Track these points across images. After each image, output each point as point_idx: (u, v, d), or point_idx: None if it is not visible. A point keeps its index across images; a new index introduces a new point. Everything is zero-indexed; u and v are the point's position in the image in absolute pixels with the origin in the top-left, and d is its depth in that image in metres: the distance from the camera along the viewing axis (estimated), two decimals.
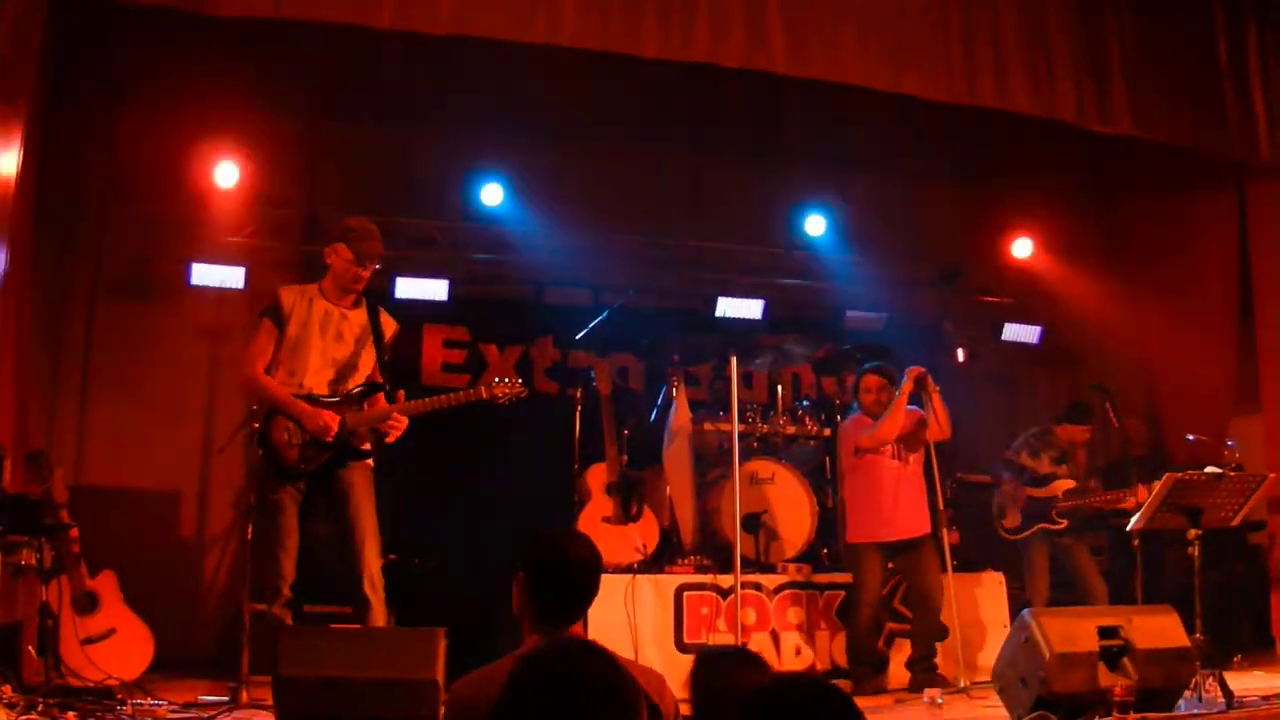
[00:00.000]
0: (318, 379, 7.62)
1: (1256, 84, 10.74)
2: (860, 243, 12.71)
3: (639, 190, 12.78)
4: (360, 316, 7.77)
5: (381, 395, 7.73)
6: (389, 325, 7.89)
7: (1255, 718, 7.48)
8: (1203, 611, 8.09)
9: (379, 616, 7.43)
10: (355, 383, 7.67)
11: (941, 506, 9.42)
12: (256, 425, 7.86)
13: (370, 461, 7.70)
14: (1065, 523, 10.22)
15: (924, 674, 9.13)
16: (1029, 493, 10.40)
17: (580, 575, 4.35)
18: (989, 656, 8.65)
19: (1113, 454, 11.47)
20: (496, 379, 7.84)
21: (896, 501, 9.45)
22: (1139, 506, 9.05)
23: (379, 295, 8.13)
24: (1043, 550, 10.34)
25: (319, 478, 7.57)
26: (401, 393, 7.74)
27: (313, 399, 7.55)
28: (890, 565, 9.58)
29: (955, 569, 9.82)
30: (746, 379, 12.02)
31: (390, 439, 7.66)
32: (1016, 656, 7.37)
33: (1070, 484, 10.34)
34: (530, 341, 12.31)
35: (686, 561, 9.85)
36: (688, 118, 12.67)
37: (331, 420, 7.44)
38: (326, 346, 7.65)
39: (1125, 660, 7.30)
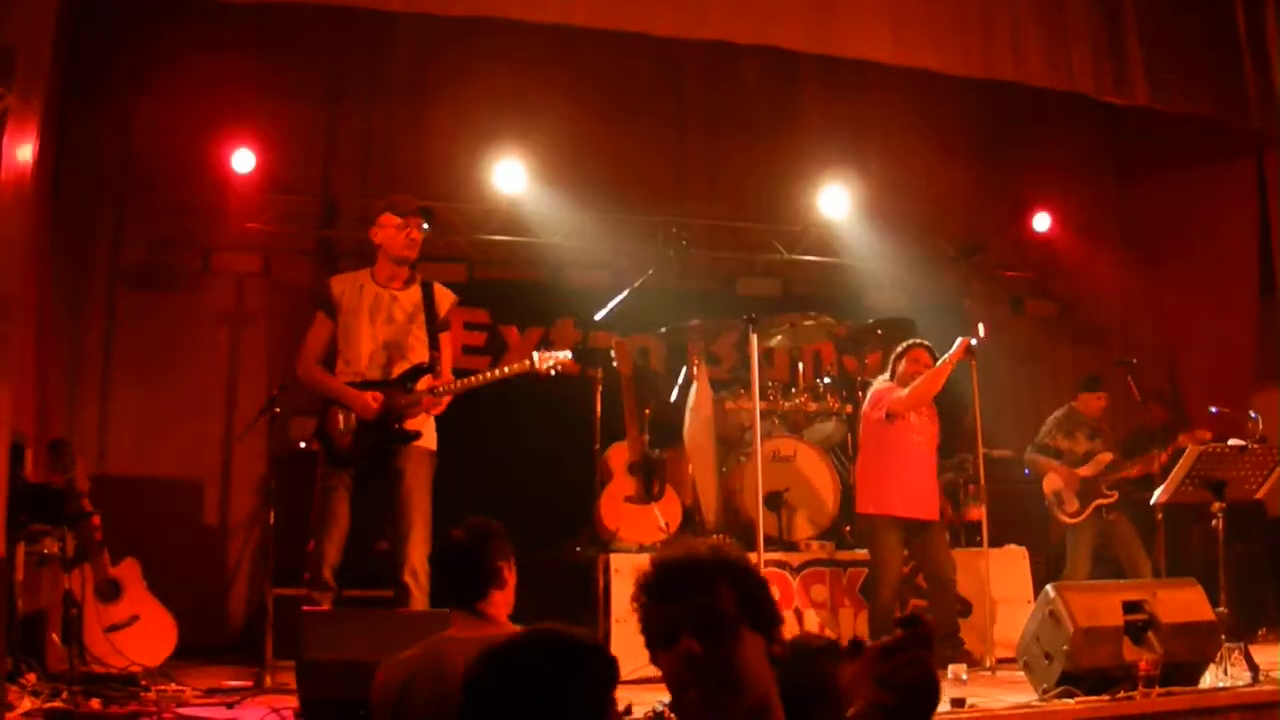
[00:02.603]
0: (371, 364, 7.78)
1: (1275, 54, 10.67)
2: (879, 219, 12.66)
3: (656, 170, 12.75)
4: (413, 295, 7.92)
5: (430, 375, 7.78)
6: (445, 298, 8.04)
7: None
8: (1227, 585, 8.08)
9: (419, 606, 7.45)
10: (408, 364, 7.73)
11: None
12: (278, 410, 7.98)
13: (430, 446, 7.75)
14: (1116, 494, 10.21)
15: (950, 650, 9.00)
16: (1080, 474, 10.38)
17: None
18: (1013, 632, 8.62)
19: (1132, 427, 11.43)
20: (541, 352, 7.93)
21: (916, 477, 9.39)
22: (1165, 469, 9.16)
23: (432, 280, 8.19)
24: (1093, 530, 10.32)
25: (373, 462, 7.65)
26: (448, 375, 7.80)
27: (364, 384, 7.66)
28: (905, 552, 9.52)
29: (978, 544, 9.80)
30: (768, 357, 11.97)
31: (435, 412, 7.73)
32: (1041, 631, 7.36)
33: (1109, 456, 10.34)
34: (550, 323, 12.29)
35: (709, 540, 9.81)
36: (704, 96, 12.63)
37: (372, 400, 7.52)
38: (377, 330, 7.79)
39: (1150, 634, 7.29)
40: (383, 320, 7.77)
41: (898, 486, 9.35)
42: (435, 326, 7.85)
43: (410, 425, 7.70)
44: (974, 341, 9.37)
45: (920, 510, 9.35)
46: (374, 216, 8.01)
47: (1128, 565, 10.26)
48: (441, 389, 7.70)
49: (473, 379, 7.86)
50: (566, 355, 7.97)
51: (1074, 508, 10.39)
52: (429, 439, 7.81)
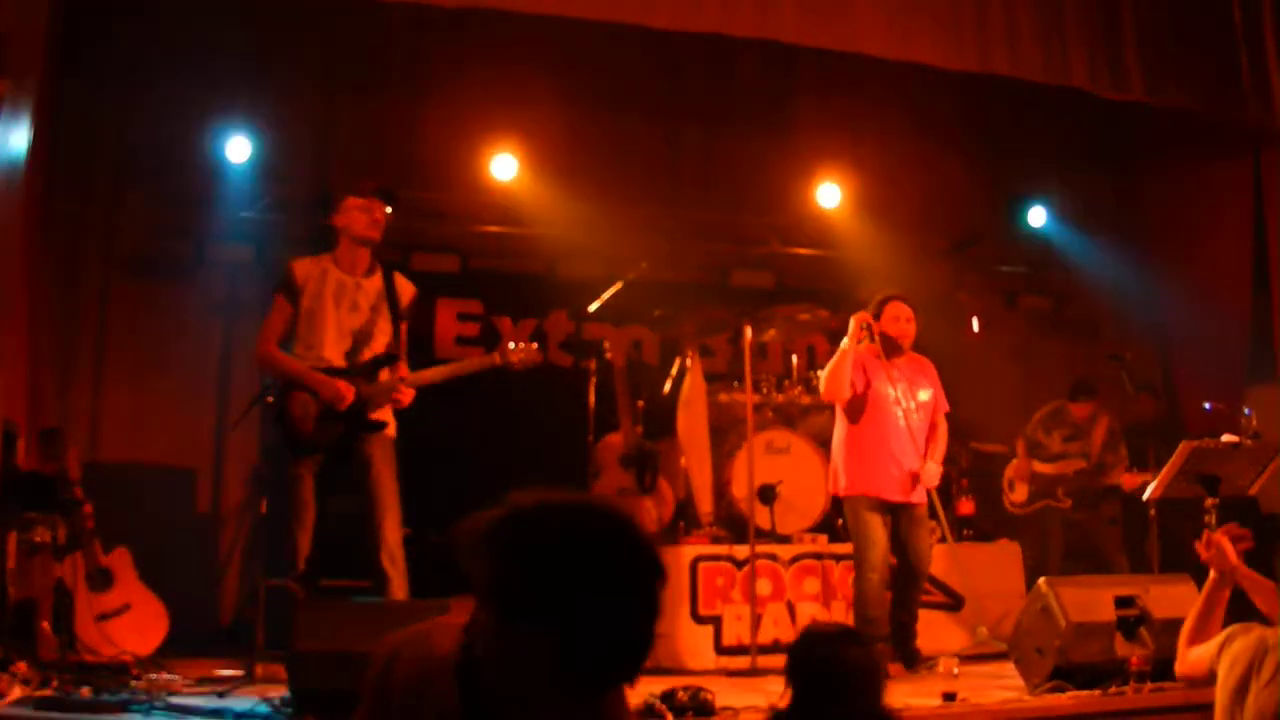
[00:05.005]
0: (335, 350, 7.68)
1: (1271, 49, 10.67)
2: (873, 212, 12.66)
3: (651, 162, 12.75)
4: (375, 284, 7.82)
5: (398, 364, 7.76)
6: (406, 290, 7.94)
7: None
8: None
9: (398, 590, 7.44)
10: (372, 352, 7.69)
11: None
12: (270, 399, 7.93)
13: (391, 433, 7.73)
14: (1070, 502, 10.26)
15: (899, 646, 8.72)
16: (1036, 467, 10.41)
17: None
18: (1004, 626, 8.63)
19: (1124, 422, 11.43)
20: (511, 345, 7.86)
21: (900, 459, 8.79)
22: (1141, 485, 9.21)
23: (393, 269, 8.14)
24: (1056, 522, 10.36)
25: (337, 450, 7.62)
26: (405, 367, 7.77)
27: (330, 370, 7.59)
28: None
29: (970, 539, 9.79)
30: (761, 349, 11.98)
31: (402, 405, 7.69)
32: (1033, 626, 7.36)
33: (1080, 464, 10.37)
34: (544, 314, 12.31)
35: (702, 533, 9.83)
36: (699, 88, 12.62)
37: (345, 389, 7.48)
38: (342, 317, 7.70)
39: (1142, 630, 7.29)
40: (348, 307, 7.71)
41: (883, 469, 8.81)
42: (398, 316, 7.82)
43: (376, 415, 7.68)
44: (868, 324, 8.79)
45: (904, 493, 8.80)
46: (334, 203, 7.97)
47: (1104, 566, 10.36)
48: (410, 380, 7.68)
49: (438, 371, 7.83)
50: (534, 349, 7.93)
51: (1021, 498, 10.48)
52: (391, 426, 7.79)
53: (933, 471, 8.84)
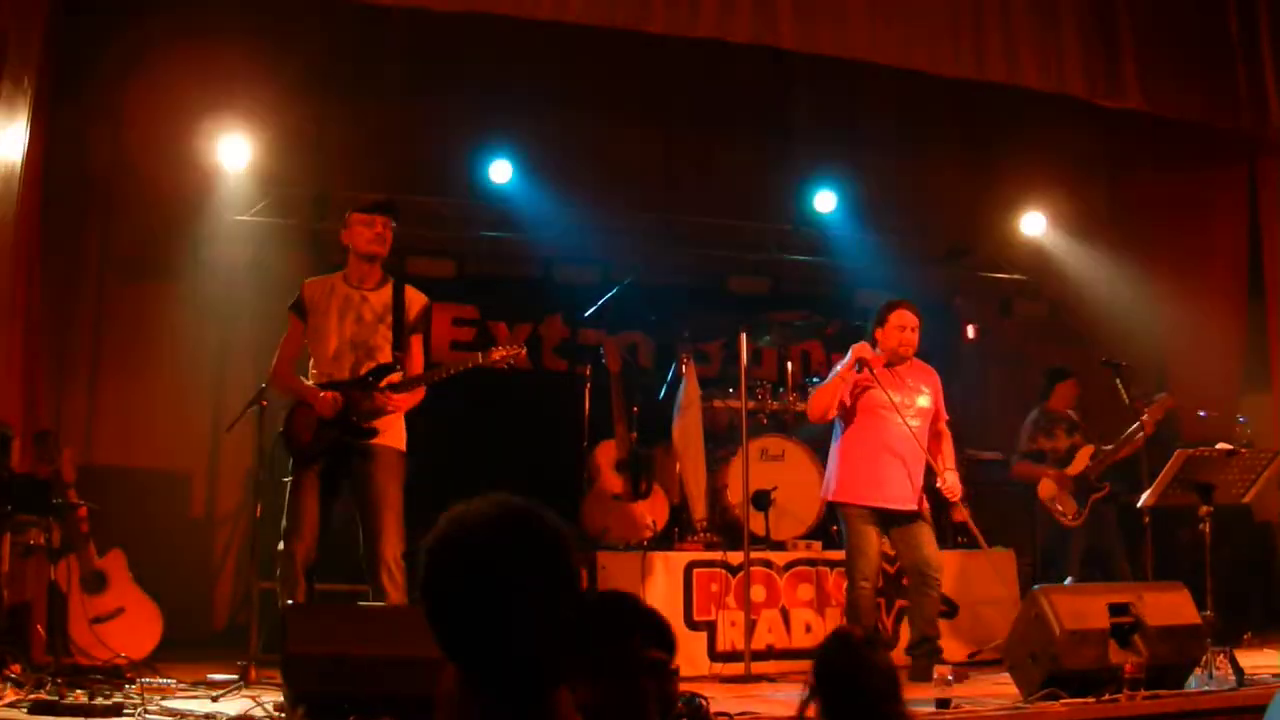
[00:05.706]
0: (338, 364, 7.74)
1: (1268, 59, 10.69)
2: (869, 219, 12.67)
3: (647, 167, 12.74)
4: (384, 296, 7.86)
5: (397, 374, 7.76)
6: (416, 300, 7.96)
7: (1266, 695, 7.45)
8: (1213, 589, 8.07)
9: (396, 603, 7.44)
10: (375, 364, 7.72)
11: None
12: (265, 403, 8.00)
13: (398, 445, 7.74)
14: (1108, 485, 10.28)
15: (924, 659, 8.44)
16: (1069, 473, 10.41)
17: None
18: (998, 634, 8.62)
19: (1121, 430, 11.42)
20: (495, 345, 7.91)
21: (902, 466, 8.64)
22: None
23: (404, 281, 8.16)
24: (1086, 530, 10.37)
25: (336, 460, 7.65)
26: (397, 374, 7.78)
27: (332, 383, 7.67)
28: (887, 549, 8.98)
29: (964, 546, 9.79)
30: (756, 355, 11.98)
31: (389, 411, 7.69)
32: (1027, 633, 7.35)
33: (1091, 448, 10.38)
34: (539, 319, 12.30)
35: (696, 538, 9.83)
36: (696, 94, 12.59)
37: (330, 399, 7.52)
38: (344, 330, 7.76)
39: (1136, 637, 7.29)
40: (351, 320, 7.75)
41: (876, 477, 8.67)
42: (403, 328, 7.83)
43: (372, 424, 7.68)
44: (859, 364, 8.60)
45: (899, 500, 8.65)
46: (343, 221, 8.03)
47: (1107, 555, 10.35)
48: (400, 385, 7.69)
49: (427, 374, 7.83)
50: (518, 350, 7.93)
51: (1073, 509, 10.40)
52: (396, 438, 7.76)
53: (953, 481, 8.80)
